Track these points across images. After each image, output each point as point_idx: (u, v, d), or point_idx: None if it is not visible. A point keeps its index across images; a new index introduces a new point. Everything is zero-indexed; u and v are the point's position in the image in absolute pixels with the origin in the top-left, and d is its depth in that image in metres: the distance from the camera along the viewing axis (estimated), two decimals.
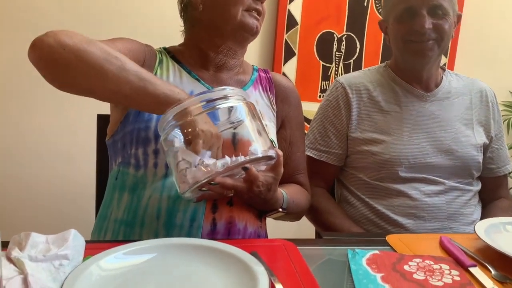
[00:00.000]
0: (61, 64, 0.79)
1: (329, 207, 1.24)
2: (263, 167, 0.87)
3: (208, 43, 1.04)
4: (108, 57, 0.81)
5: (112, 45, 0.90)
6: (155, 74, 1.02)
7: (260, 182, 0.87)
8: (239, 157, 0.77)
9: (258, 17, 1.02)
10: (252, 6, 1.00)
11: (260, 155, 0.78)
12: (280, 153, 0.85)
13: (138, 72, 0.82)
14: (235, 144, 0.91)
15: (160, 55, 1.05)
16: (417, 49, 1.17)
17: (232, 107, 0.82)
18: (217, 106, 0.79)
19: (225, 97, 0.79)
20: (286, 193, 1.01)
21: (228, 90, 0.81)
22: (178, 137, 0.80)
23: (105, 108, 1.07)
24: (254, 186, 0.87)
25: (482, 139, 1.23)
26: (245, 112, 0.81)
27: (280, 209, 0.98)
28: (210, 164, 0.75)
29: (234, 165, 0.76)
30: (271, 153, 0.81)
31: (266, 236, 1.07)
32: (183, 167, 0.77)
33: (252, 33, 1.02)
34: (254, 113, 0.83)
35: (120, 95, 0.82)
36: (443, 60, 2.18)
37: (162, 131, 0.81)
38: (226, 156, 0.77)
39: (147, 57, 1.02)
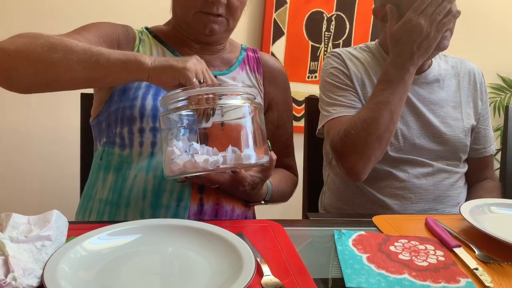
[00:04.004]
0: (11, 70, 0.79)
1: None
2: (253, 168, 0.87)
3: (185, 25, 1.03)
4: (53, 47, 0.78)
5: (77, 36, 0.88)
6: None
7: (246, 182, 0.87)
8: (230, 157, 0.75)
9: (216, 18, 0.97)
10: (204, 9, 0.96)
11: (253, 162, 0.77)
12: (274, 157, 0.84)
13: (86, 50, 0.79)
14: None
15: (141, 35, 1.03)
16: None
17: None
18: (227, 103, 0.77)
19: (236, 94, 0.78)
20: (271, 183, 1.00)
21: (240, 88, 0.80)
22: (178, 120, 0.79)
23: None
24: (240, 185, 0.87)
25: (470, 121, 1.23)
26: (248, 112, 0.79)
27: (263, 202, 0.98)
28: (201, 161, 0.74)
29: (224, 167, 0.75)
30: (265, 160, 0.79)
31: (254, 218, 1.07)
32: (175, 153, 0.76)
33: (204, 33, 0.99)
34: (257, 115, 0.81)
35: (79, 79, 0.80)
36: None
37: (163, 107, 0.80)
38: (219, 155, 0.76)
39: (122, 39, 0.99)
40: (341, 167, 1.10)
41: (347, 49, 1.27)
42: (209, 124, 0.77)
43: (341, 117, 1.13)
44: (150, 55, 0.82)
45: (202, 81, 0.78)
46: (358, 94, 1.17)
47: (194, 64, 0.78)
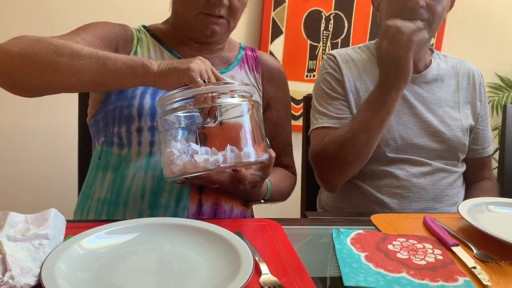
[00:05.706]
0: (15, 73, 0.78)
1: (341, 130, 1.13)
2: (253, 166, 0.87)
3: (186, 25, 1.02)
4: (58, 50, 0.77)
5: (75, 37, 0.87)
6: (135, 52, 0.99)
7: (247, 181, 0.87)
8: (230, 156, 0.75)
9: (218, 20, 0.97)
10: (206, 11, 0.95)
11: (252, 159, 0.77)
12: (273, 154, 0.84)
13: (93, 54, 0.79)
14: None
15: (138, 34, 1.02)
16: None
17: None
18: (224, 102, 0.77)
19: (234, 92, 0.78)
20: (271, 183, 1.00)
21: (237, 86, 0.80)
22: (176, 121, 0.78)
23: None
24: (240, 184, 0.87)
25: (468, 121, 1.23)
26: (246, 110, 0.79)
27: (262, 201, 0.99)
28: (201, 161, 0.74)
29: (225, 166, 0.75)
30: (265, 157, 0.80)
31: (252, 217, 1.07)
32: (174, 155, 0.75)
33: (205, 34, 0.99)
34: (254, 113, 0.81)
35: (84, 82, 0.79)
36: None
37: (160, 108, 0.79)
38: (219, 154, 0.76)
39: (120, 39, 0.99)
40: (317, 178, 1.17)
41: (345, 49, 1.28)
42: (214, 123, 0.77)
43: (324, 128, 1.17)
44: (156, 60, 0.81)
45: (206, 80, 0.78)
46: (349, 101, 1.19)
47: (198, 64, 0.78)
